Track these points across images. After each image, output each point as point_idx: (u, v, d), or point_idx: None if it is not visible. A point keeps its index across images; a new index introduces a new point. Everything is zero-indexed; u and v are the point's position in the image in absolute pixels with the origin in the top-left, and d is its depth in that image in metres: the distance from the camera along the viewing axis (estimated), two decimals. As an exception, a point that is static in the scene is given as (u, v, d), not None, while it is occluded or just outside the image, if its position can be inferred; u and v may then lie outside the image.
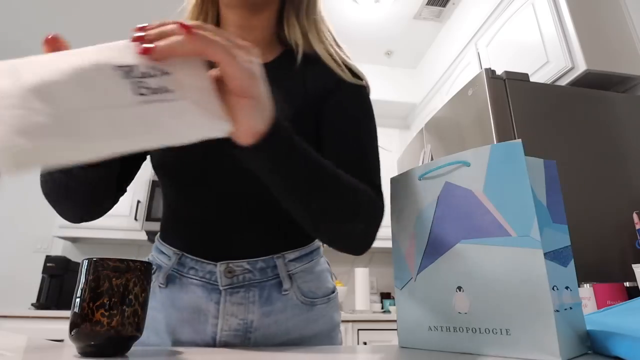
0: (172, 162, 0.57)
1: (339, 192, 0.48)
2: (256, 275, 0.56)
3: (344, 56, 0.62)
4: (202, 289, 0.55)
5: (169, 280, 0.57)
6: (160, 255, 0.59)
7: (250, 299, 0.55)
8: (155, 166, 0.60)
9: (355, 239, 0.53)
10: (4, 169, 0.24)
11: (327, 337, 0.62)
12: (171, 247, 0.58)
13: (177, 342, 0.55)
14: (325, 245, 0.60)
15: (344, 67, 0.60)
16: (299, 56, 0.60)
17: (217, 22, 0.62)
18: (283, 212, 0.49)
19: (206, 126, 0.30)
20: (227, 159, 0.53)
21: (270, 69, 0.50)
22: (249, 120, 0.35)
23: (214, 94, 0.32)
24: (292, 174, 0.43)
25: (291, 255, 0.59)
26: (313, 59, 0.60)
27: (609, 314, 0.49)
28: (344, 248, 0.54)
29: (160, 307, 0.56)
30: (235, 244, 0.56)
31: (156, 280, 0.57)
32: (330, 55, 0.60)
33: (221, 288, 0.55)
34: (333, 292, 0.65)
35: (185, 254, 0.57)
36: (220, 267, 0.55)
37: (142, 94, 0.28)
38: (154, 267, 0.59)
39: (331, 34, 0.63)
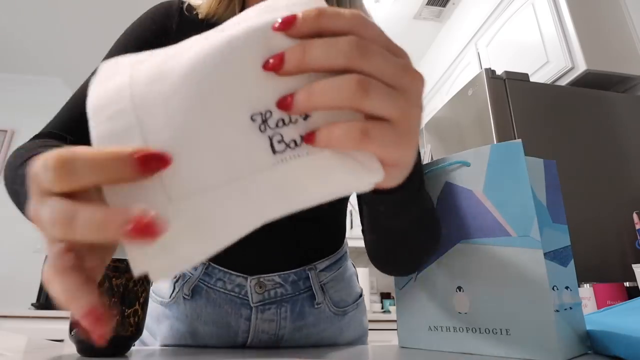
0: None
1: (436, 229, 0.44)
2: (288, 290, 0.54)
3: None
4: (231, 304, 0.53)
5: (195, 291, 0.54)
6: None
7: (282, 314, 0.53)
8: None
9: (423, 265, 0.49)
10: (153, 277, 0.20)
11: (357, 340, 0.61)
12: None
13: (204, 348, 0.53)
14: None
15: None
16: None
17: (243, 3, 0.56)
18: (314, 223, 0.49)
19: (353, 181, 0.22)
20: None
21: None
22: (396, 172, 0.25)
23: None
24: (410, 216, 0.39)
25: (322, 264, 0.57)
26: None
27: (609, 314, 0.49)
28: (406, 274, 0.50)
29: (184, 319, 0.54)
30: (267, 256, 0.54)
31: (180, 290, 0.54)
32: None
33: (252, 305, 0.53)
34: (361, 295, 0.65)
35: (212, 264, 0.54)
36: (251, 282, 0.53)
37: (277, 151, 0.21)
38: (175, 275, 0.55)
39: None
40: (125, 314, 0.38)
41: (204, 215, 0.20)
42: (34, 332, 2.03)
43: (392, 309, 2.60)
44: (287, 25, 0.20)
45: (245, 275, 0.53)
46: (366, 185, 0.23)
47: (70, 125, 0.50)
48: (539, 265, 0.37)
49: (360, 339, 0.62)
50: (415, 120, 0.22)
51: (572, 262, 0.41)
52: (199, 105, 0.21)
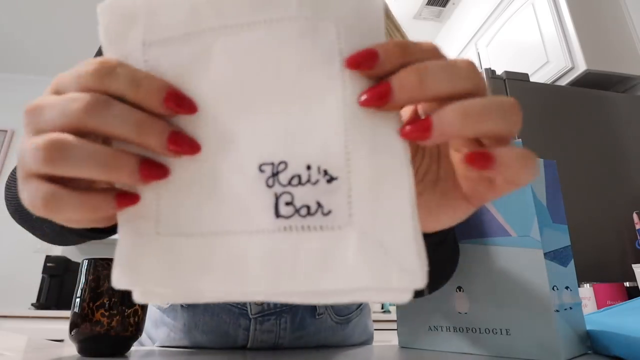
0: None
1: (456, 254, 0.44)
2: (282, 303, 0.54)
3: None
4: (229, 313, 0.52)
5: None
6: None
7: (281, 325, 0.53)
8: None
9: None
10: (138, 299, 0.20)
11: (360, 344, 0.61)
12: None
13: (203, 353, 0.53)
14: None
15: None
16: None
17: None
18: None
19: (374, 283, 0.16)
20: None
21: None
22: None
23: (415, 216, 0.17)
24: (439, 256, 0.39)
25: None
26: None
27: (609, 314, 0.49)
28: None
29: (182, 327, 0.54)
30: None
31: None
32: None
33: (251, 316, 0.53)
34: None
35: None
36: None
37: (280, 215, 0.17)
38: None
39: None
40: (125, 314, 0.38)
41: (183, 259, 0.18)
42: (34, 332, 2.03)
43: (392, 309, 2.60)
44: (368, 64, 0.17)
45: None
46: (390, 294, 0.17)
47: None
48: (539, 265, 0.37)
49: (365, 344, 0.62)
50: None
51: (572, 262, 0.41)
52: (212, 141, 0.19)
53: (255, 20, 0.19)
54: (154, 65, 0.19)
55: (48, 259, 2.36)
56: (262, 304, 0.53)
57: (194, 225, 0.19)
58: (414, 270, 0.16)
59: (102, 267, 0.39)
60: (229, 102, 0.19)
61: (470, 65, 0.18)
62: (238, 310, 0.52)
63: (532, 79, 1.55)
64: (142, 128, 0.17)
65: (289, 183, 0.17)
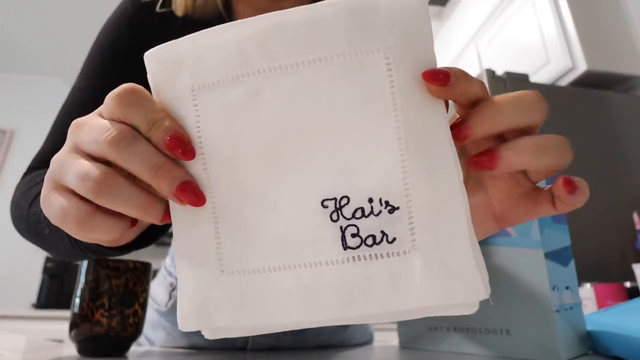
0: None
1: None
2: None
3: None
4: None
5: None
6: (173, 277, 0.55)
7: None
8: None
9: None
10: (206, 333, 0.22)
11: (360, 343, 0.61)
12: None
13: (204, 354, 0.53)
14: None
15: None
16: None
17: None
18: None
19: (442, 300, 0.19)
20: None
21: None
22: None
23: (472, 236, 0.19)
24: None
25: None
26: None
27: (609, 314, 0.49)
28: None
29: (183, 332, 0.53)
30: None
31: (176, 300, 0.51)
32: None
33: None
34: None
35: None
36: None
37: (348, 247, 0.18)
38: (172, 284, 0.55)
39: None
40: (125, 314, 0.38)
41: (252, 295, 0.19)
42: (34, 332, 2.03)
43: (392, 309, 2.59)
44: (443, 80, 0.18)
45: None
46: (457, 310, 0.20)
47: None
48: (539, 265, 0.37)
49: (365, 344, 0.63)
50: None
51: (572, 262, 0.41)
52: (269, 179, 0.19)
53: (304, 60, 0.19)
54: (204, 109, 0.20)
55: (48, 259, 2.36)
56: None
57: (259, 261, 0.19)
58: (477, 284, 0.18)
59: (101, 267, 0.39)
60: (283, 141, 0.19)
61: (538, 98, 0.20)
62: None
63: (532, 79, 1.55)
64: (156, 172, 0.18)
65: (353, 216, 0.18)
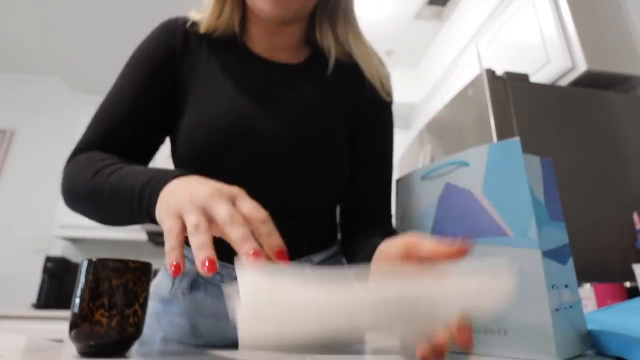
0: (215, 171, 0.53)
1: None
2: None
3: (385, 71, 0.62)
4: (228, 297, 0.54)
5: (193, 286, 0.55)
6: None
7: None
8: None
9: None
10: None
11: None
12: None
13: (203, 343, 0.55)
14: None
15: (384, 85, 0.60)
16: (332, 62, 0.58)
17: (242, 19, 0.57)
18: (308, 218, 0.54)
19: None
20: (260, 175, 0.52)
21: (300, 70, 0.55)
22: None
23: None
24: None
25: (317, 257, 0.58)
26: (347, 67, 0.59)
27: (609, 313, 0.49)
28: None
29: (184, 314, 0.55)
30: None
31: (179, 286, 0.56)
32: (377, 71, 0.59)
33: None
34: None
35: None
36: None
37: None
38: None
39: (371, 46, 0.62)
40: (125, 314, 0.38)
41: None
42: (34, 332, 2.03)
43: (392, 309, 2.59)
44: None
45: None
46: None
47: (107, 138, 0.54)
48: (536, 265, 0.37)
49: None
50: None
51: (570, 260, 0.41)
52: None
53: None
54: None
55: (48, 259, 2.36)
56: None
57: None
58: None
59: (102, 267, 0.39)
60: None
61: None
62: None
63: (532, 79, 1.55)
64: (199, 250, 0.32)
65: None
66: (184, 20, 0.59)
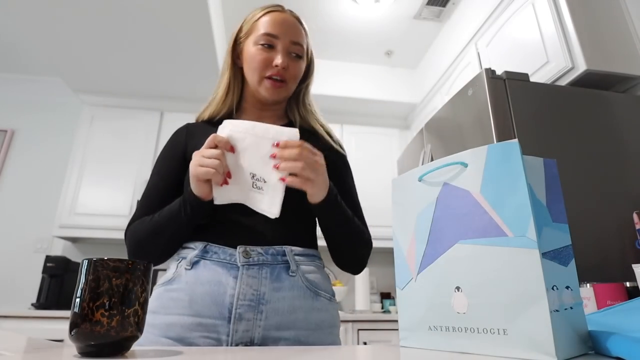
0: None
1: (359, 228, 0.76)
2: (268, 259, 0.69)
3: (330, 130, 0.88)
4: (223, 267, 0.67)
5: (194, 263, 0.69)
6: (184, 250, 0.72)
7: (263, 275, 0.67)
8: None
9: (362, 262, 0.79)
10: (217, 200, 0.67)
11: (329, 334, 0.71)
12: (197, 241, 0.71)
13: (197, 315, 0.64)
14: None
15: (334, 140, 0.87)
16: (297, 128, 0.80)
17: (240, 97, 0.85)
18: (290, 216, 0.71)
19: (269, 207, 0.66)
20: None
21: None
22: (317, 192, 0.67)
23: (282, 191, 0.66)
24: (337, 217, 0.72)
25: (296, 249, 0.72)
26: (308, 131, 0.84)
27: (609, 314, 0.49)
28: (351, 268, 0.79)
29: (185, 287, 0.67)
30: (253, 235, 0.70)
31: (182, 265, 0.70)
32: (327, 132, 0.87)
33: (239, 264, 0.67)
34: (334, 296, 0.77)
35: (210, 243, 0.70)
36: (239, 249, 0.68)
37: (255, 186, 0.66)
38: (178, 258, 0.72)
39: (319, 114, 0.90)
40: (125, 314, 0.38)
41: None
42: (34, 332, 2.03)
43: (392, 308, 2.60)
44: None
45: (234, 247, 0.69)
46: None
47: (149, 211, 0.74)
48: (535, 265, 0.37)
49: (331, 330, 0.72)
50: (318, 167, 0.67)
51: (572, 262, 0.41)
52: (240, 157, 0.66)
53: None
54: (232, 139, 0.70)
55: (48, 259, 2.36)
56: (248, 258, 0.68)
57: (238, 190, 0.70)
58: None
59: (102, 267, 0.39)
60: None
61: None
62: (230, 265, 0.67)
63: (532, 79, 1.55)
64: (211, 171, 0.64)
65: (256, 179, 0.68)
66: (187, 124, 0.86)
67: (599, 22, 1.61)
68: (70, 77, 2.66)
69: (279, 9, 0.82)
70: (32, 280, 2.63)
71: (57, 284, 2.35)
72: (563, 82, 1.58)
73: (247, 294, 0.65)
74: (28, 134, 3.05)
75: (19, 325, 2.04)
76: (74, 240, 2.79)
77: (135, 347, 0.55)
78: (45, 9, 2.04)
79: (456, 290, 0.43)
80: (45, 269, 2.33)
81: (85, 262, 0.39)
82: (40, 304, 2.28)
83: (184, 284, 0.67)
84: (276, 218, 0.67)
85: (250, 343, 0.63)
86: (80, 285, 0.39)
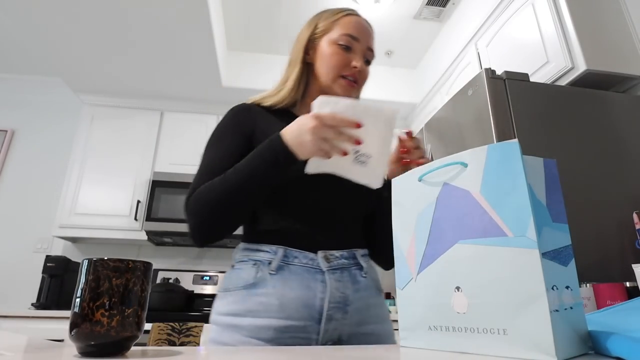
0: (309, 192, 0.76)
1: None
2: (345, 263, 0.74)
3: None
4: (307, 272, 0.70)
5: (279, 268, 0.71)
6: (259, 253, 0.73)
7: (345, 278, 0.72)
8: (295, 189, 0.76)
9: None
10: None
11: (390, 324, 0.78)
12: (272, 245, 0.73)
13: (289, 318, 0.67)
14: None
15: None
16: None
17: (304, 92, 0.86)
18: (356, 222, 0.79)
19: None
20: (336, 189, 0.76)
21: None
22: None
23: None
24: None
25: (361, 251, 0.78)
26: None
27: (609, 314, 0.49)
28: (390, 266, 0.77)
29: (273, 291, 0.69)
30: (328, 240, 0.74)
31: (266, 269, 0.71)
32: None
33: (324, 269, 0.71)
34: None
35: (288, 248, 0.72)
36: (320, 255, 0.72)
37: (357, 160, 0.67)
38: (255, 262, 0.72)
39: None
40: (125, 314, 0.38)
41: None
42: (34, 332, 2.03)
43: (393, 309, 2.59)
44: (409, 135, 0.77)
45: (314, 252, 0.72)
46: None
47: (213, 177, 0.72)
48: (534, 265, 0.37)
49: (389, 319, 0.79)
50: None
51: (572, 262, 0.41)
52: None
53: None
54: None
55: (48, 259, 2.36)
56: (329, 262, 0.72)
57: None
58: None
59: (102, 267, 0.39)
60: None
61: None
62: (313, 269, 0.71)
63: (532, 79, 1.55)
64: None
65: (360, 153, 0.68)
66: (247, 105, 0.84)
67: (598, 22, 1.61)
68: (70, 77, 2.66)
69: (357, 13, 0.85)
70: (32, 280, 2.63)
71: (57, 284, 2.35)
72: (563, 82, 1.58)
73: (336, 297, 0.69)
74: (28, 134, 3.05)
75: (19, 325, 2.04)
76: (74, 240, 2.79)
77: (224, 346, 0.65)
78: (45, 9, 2.04)
79: (456, 290, 0.43)
80: (45, 269, 2.33)
81: (85, 262, 0.39)
82: (40, 304, 2.28)
83: (272, 288, 0.69)
84: (343, 222, 0.77)
85: (338, 340, 0.69)
86: (80, 285, 0.39)
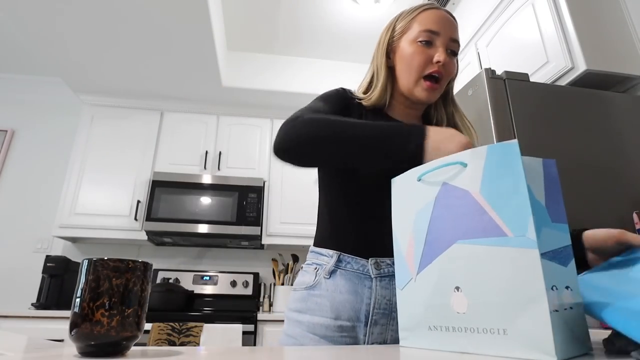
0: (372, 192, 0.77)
1: None
2: (393, 270, 0.72)
3: (475, 134, 0.88)
4: (357, 278, 0.73)
5: (332, 273, 0.75)
6: (321, 257, 0.78)
7: (392, 285, 0.73)
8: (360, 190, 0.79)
9: None
10: None
11: None
12: (330, 249, 0.77)
13: (338, 318, 0.71)
14: None
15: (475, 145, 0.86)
16: (444, 125, 0.86)
17: (391, 94, 0.85)
18: None
19: None
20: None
21: None
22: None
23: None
24: None
25: None
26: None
27: (603, 276, 0.49)
28: None
29: (326, 293, 0.74)
30: (380, 247, 0.74)
31: (322, 273, 0.76)
32: (472, 134, 0.87)
33: (372, 276, 0.73)
34: None
35: (342, 253, 0.75)
36: (371, 262, 0.74)
37: None
38: (316, 267, 0.78)
39: (465, 116, 0.90)
40: (126, 314, 0.38)
41: None
42: (34, 332, 2.03)
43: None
44: None
45: (365, 259, 0.74)
46: None
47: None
48: (534, 265, 0.37)
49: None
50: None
51: (572, 262, 0.41)
52: None
53: None
54: None
55: (48, 259, 2.36)
56: (379, 269, 0.73)
57: None
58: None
59: (102, 267, 0.39)
60: None
61: None
62: (363, 275, 0.73)
63: (532, 79, 1.55)
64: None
65: None
66: (348, 93, 0.86)
67: (598, 22, 1.61)
68: (70, 77, 2.66)
69: (435, 5, 0.81)
70: (32, 280, 2.63)
71: (57, 284, 2.35)
72: (563, 82, 1.58)
73: (382, 304, 0.72)
74: (28, 134, 3.05)
75: (19, 325, 2.04)
76: (74, 240, 2.79)
77: (289, 339, 0.73)
78: (45, 9, 2.04)
79: (456, 290, 0.43)
80: (45, 269, 2.33)
81: (85, 262, 0.39)
82: (40, 304, 2.28)
83: (325, 290, 0.74)
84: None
85: (383, 343, 0.71)
86: (81, 285, 0.39)
